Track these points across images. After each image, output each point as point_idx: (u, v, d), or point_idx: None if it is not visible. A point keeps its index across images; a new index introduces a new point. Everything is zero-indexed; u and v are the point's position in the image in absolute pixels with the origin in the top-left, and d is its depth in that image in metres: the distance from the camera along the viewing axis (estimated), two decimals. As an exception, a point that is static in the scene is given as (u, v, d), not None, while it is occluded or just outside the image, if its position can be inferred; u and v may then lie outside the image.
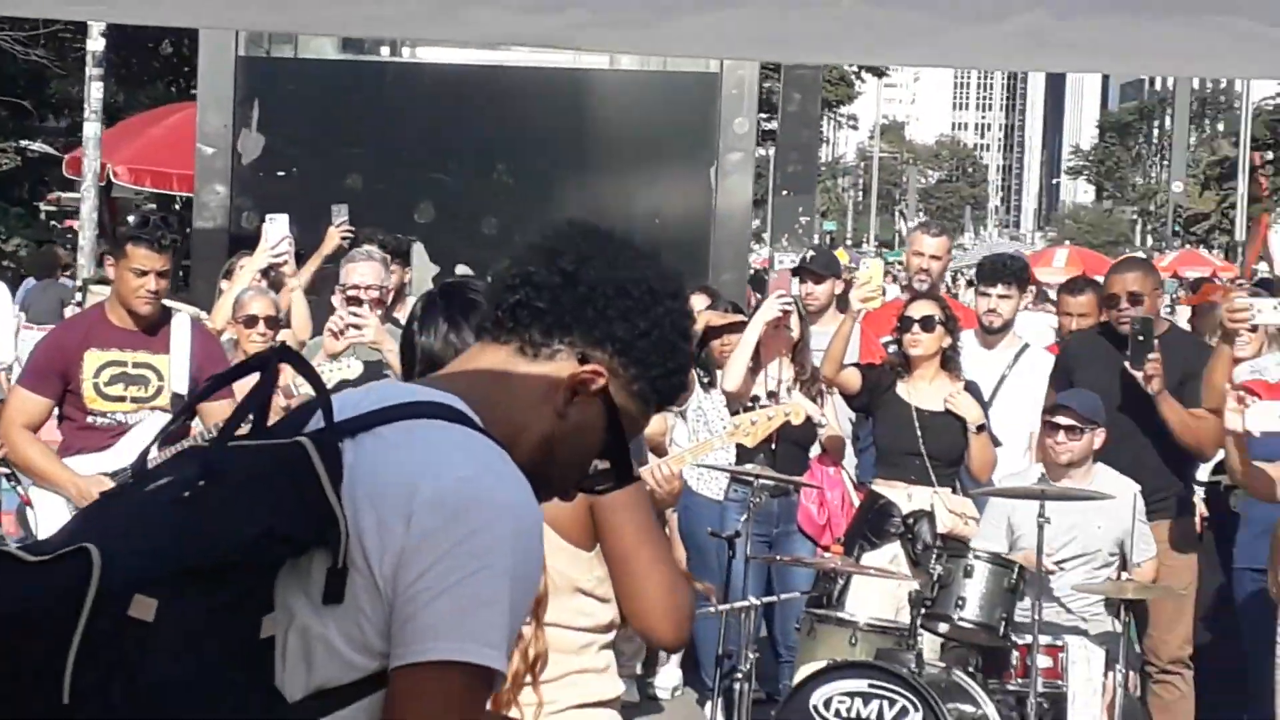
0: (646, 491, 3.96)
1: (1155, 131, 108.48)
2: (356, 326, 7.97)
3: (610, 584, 3.94)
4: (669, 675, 10.34)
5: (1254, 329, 8.59)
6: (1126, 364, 8.36)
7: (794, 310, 9.19)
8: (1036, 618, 7.66)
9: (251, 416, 2.46)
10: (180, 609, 2.23)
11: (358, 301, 8.29)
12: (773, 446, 8.91)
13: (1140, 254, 48.56)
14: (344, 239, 10.25)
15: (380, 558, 2.32)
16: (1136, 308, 8.64)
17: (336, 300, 8.55)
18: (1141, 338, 8.33)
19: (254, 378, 2.51)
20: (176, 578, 2.24)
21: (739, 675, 7.90)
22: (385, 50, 12.76)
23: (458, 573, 2.31)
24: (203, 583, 2.24)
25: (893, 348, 9.43)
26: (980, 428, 8.72)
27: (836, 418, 9.34)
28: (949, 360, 8.93)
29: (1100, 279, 9.77)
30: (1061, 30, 2.42)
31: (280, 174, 12.30)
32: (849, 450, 9.59)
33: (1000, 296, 9.63)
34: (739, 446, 8.76)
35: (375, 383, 2.41)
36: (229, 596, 2.25)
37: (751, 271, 23.93)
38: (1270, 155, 75.23)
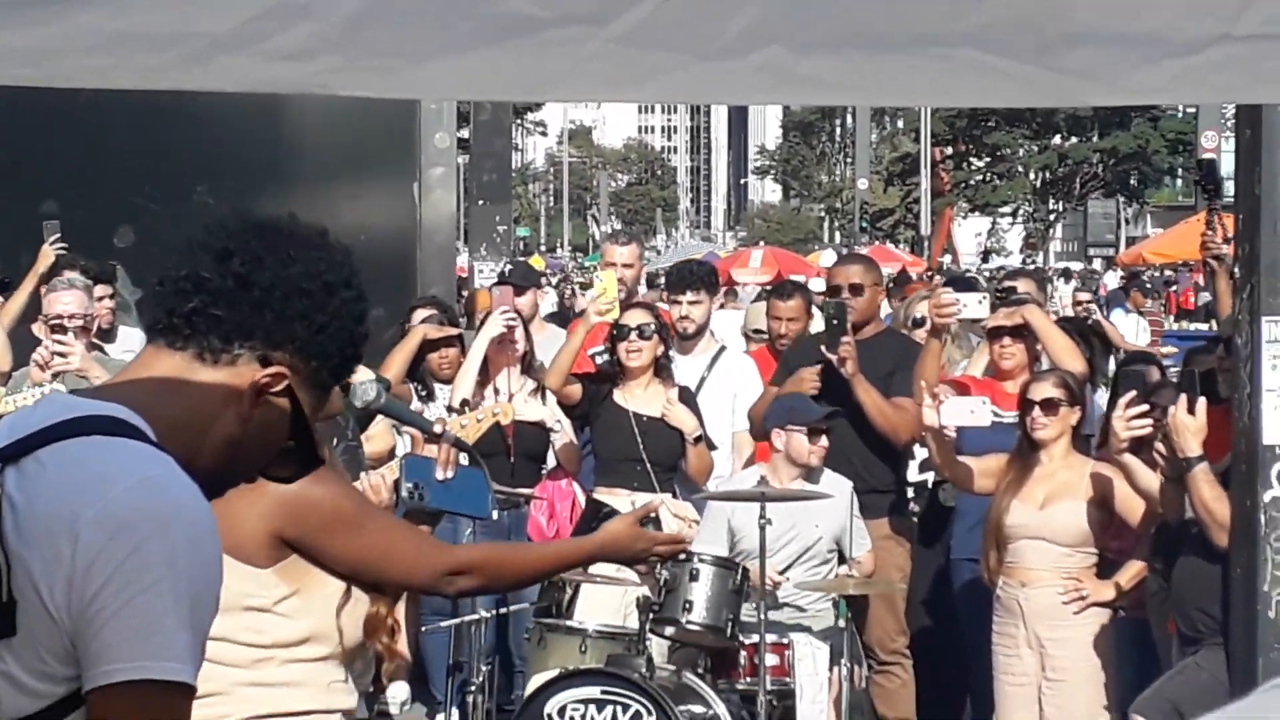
0: (341, 499, 4.00)
1: (838, 130, 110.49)
2: (62, 355, 7.86)
3: (299, 598, 3.99)
4: (398, 689, 10.28)
5: (958, 323, 8.85)
6: (822, 348, 8.60)
7: (518, 324, 9.23)
8: (762, 617, 7.79)
9: None
10: None
11: (62, 330, 8.17)
12: (510, 459, 8.97)
13: (832, 250, 49.45)
14: (58, 253, 10.13)
15: (50, 587, 2.30)
16: (857, 299, 8.89)
17: (39, 330, 8.41)
18: (835, 321, 8.58)
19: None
20: None
21: (471, 687, 7.91)
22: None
23: (130, 589, 2.29)
24: None
25: (600, 358, 9.51)
26: (698, 438, 8.83)
27: (570, 428, 9.39)
28: (662, 368, 9.04)
29: (797, 277, 10.01)
30: (801, 65, 2.50)
31: (-31, 195, 12.00)
32: None
33: (691, 303, 9.73)
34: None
35: (46, 397, 2.37)
36: None
37: (456, 281, 23.95)
38: (950, 151, 77.26)
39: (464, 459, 4.61)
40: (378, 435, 7.88)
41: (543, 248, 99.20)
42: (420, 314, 9.76)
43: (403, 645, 4.40)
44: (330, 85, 2.45)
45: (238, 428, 2.56)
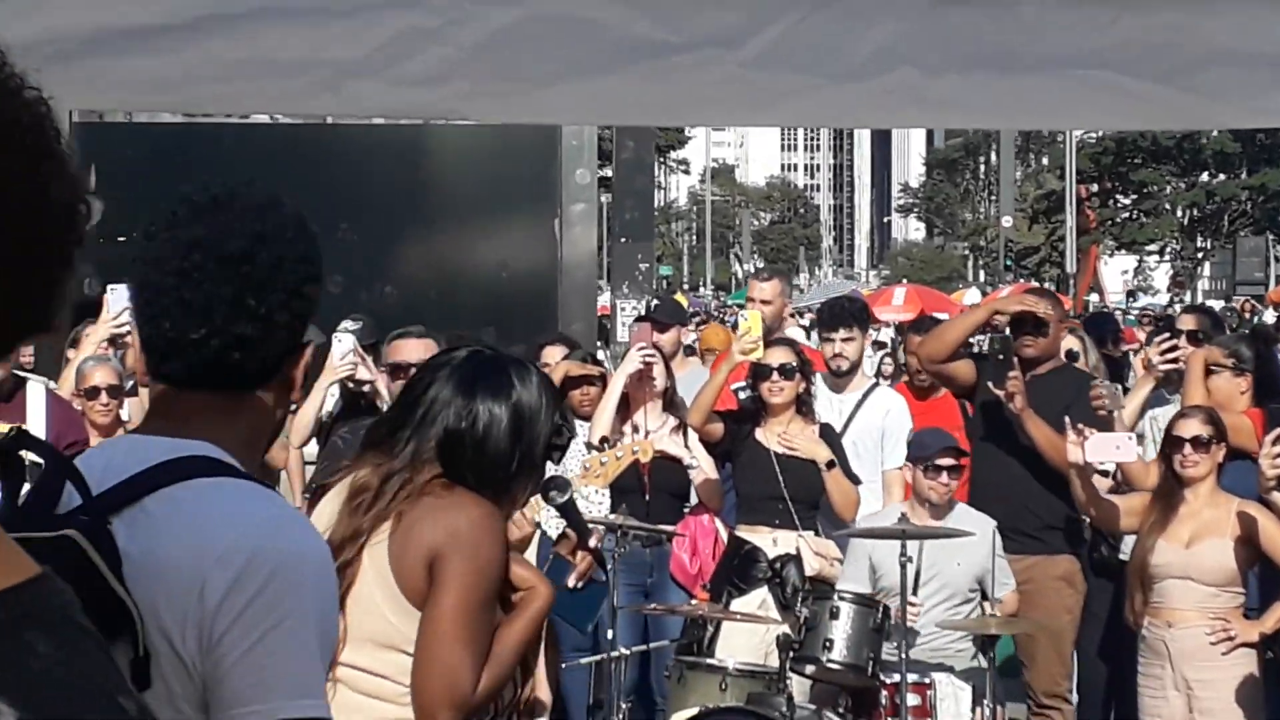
0: (496, 566, 3.86)
1: (981, 167, 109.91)
2: None
3: None
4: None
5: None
6: (989, 384, 8.49)
7: (657, 360, 9.21)
8: (904, 656, 7.70)
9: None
10: None
11: None
12: (645, 496, 8.96)
13: (976, 289, 49.11)
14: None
15: (181, 635, 2.29)
16: (1040, 337, 8.76)
17: None
18: (1001, 357, 8.47)
19: None
20: None
21: (610, 727, 7.87)
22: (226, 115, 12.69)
23: (259, 628, 2.29)
24: None
25: (744, 394, 9.47)
26: (830, 464, 8.77)
27: (712, 465, 9.35)
28: (804, 404, 8.99)
29: (942, 316, 9.93)
30: (932, 87, 2.46)
31: (120, 239, 12.15)
32: None
33: (844, 340, 9.67)
34: (615, 495, 8.83)
35: (116, 439, 2.36)
36: None
37: (599, 320, 24.03)
38: (1095, 188, 76.55)
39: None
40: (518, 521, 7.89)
41: (685, 286, 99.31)
42: (549, 351, 9.79)
43: (544, 690, 4.35)
44: (459, 110, 2.44)
45: (270, 420, 2.61)
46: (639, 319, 10.83)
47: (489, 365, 4.00)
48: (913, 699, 7.82)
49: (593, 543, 4.31)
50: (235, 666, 2.28)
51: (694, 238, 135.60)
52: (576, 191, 12.18)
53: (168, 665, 2.29)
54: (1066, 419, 7.88)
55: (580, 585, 4.31)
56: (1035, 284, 57.80)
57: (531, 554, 8.16)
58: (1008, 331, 8.89)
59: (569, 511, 4.54)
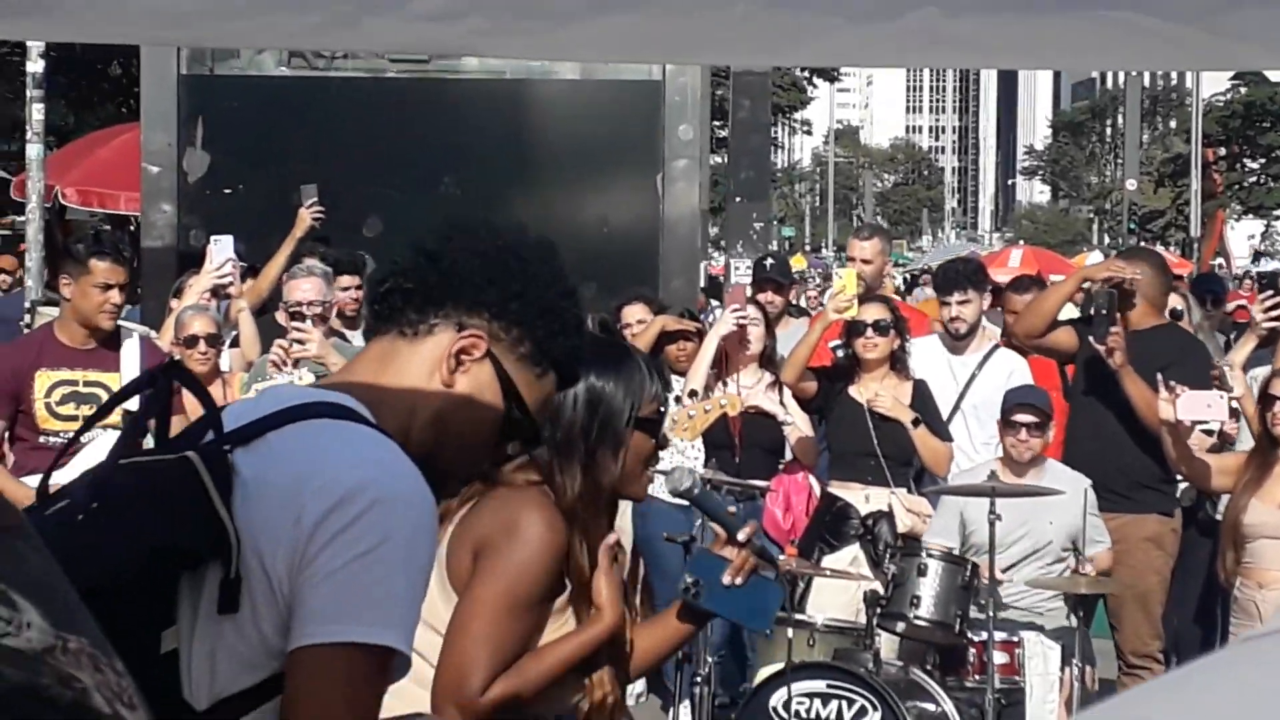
0: (536, 572, 3.68)
1: (1108, 130, 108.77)
2: (300, 341, 8.03)
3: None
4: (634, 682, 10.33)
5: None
6: (1090, 339, 8.42)
7: (752, 322, 9.19)
8: (991, 614, 7.66)
9: (155, 429, 2.47)
10: None
11: (301, 317, 8.33)
12: (736, 452, 8.97)
13: (1099, 251, 48.66)
14: (315, 220, 10.37)
15: (273, 555, 2.34)
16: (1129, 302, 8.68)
17: (281, 317, 8.58)
18: (1104, 311, 8.39)
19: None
20: None
21: (698, 679, 7.89)
22: (327, 64, 12.74)
23: (346, 554, 2.33)
24: (100, 603, 2.25)
25: (840, 351, 9.45)
26: (915, 421, 8.73)
27: (807, 421, 9.33)
28: (898, 361, 8.97)
29: (1057, 278, 9.84)
30: (952, 26, 2.43)
31: (227, 191, 12.28)
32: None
33: (960, 303, 9.63)
34: (708, 449, 8.83)
35: (267, 388, 2.45)
36: (128, 614, 2.25)
37: (709, 279, 23.98)
38: (1223, 151, 75.59)
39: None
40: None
41: (807, 247, 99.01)
42: (629, 310, 9.82)
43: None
44: (476, 48, 2.44)
45: (443, 399, 2.60)
46: (748, 282, 10.83)
47: None
48: (1000, 657, 7.79)
49: (743, 536, 4.05)
50: (317, 587, 2.32)
51: (817, 199, 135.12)
52: (679, 148, 12.14)
53: (257, 586, 2.34)
54: (1159, 376, 7.80)
55: (740, 581, 4.02)
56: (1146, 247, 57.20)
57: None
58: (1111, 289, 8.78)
59: (702, 503, 4.32)
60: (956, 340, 9.60)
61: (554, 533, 3.67)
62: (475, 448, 2.68)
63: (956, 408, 9.38)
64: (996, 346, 9.79)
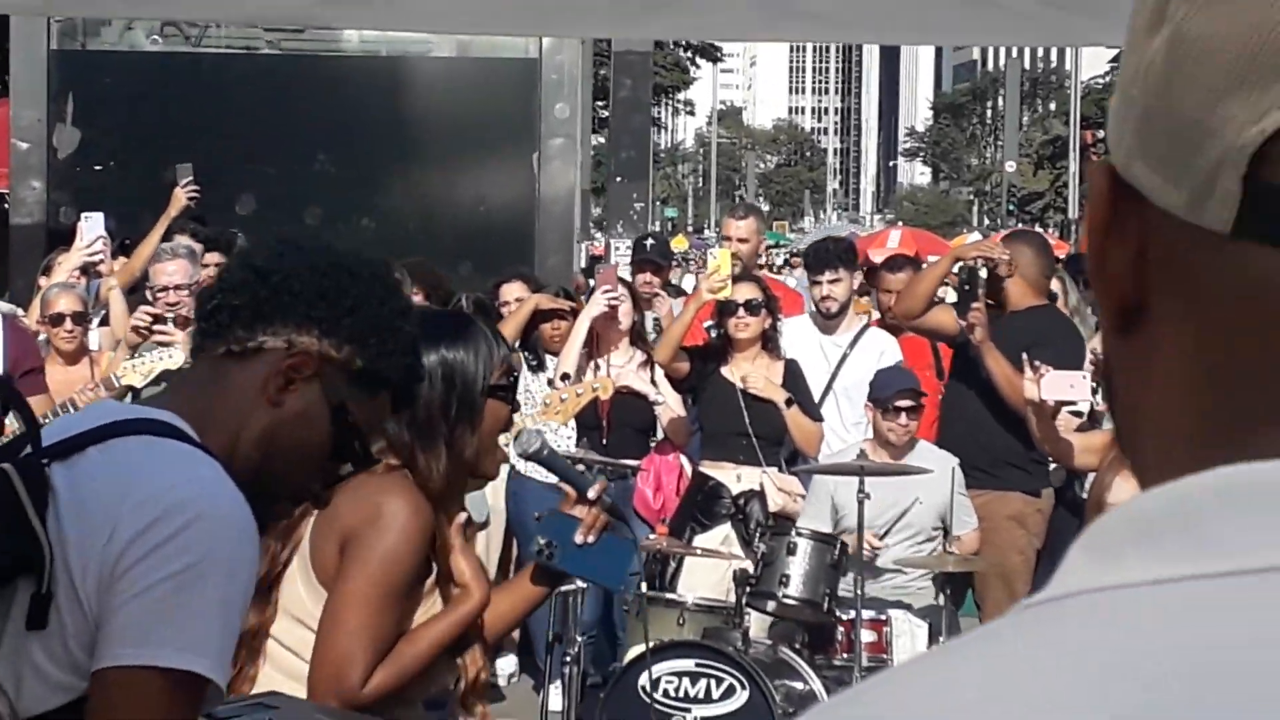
0: (406, 557, 3.64)
1: (988, 112, 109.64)
2: (163, 344, 7.95)
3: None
4: (506, 662, 10.32)
5: None
6: (954, 314, 8.48)
7: (622, 302, 9.21)
8: (859, 593, 7.71)
9: None
10: None
11: (163, 321, 8.29)
12: (604, 433, 9.00)
13: (978, 233, 49.00)
14: (190, 199, 10.27)
15: (83, 571, 2.30)
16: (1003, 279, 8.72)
17: (148, 301, 8.54)
18: (967, 287, 8.44)
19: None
20: None
21: (568, 659, 7.89)
22: (198, 38, 12.63)
23: (157, 573, 2.28)
24: None
25: (713, 331, 9.47)
26: (789, 402, 8.77)
27: (678, 401, 9.35)
28: (769, 341, 8.99)
29: (934, 259, 9.88)
30: (809, 1, 2.43)
31: (97, 168, 12.16)
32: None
33: (831, 281, 9.67)
34: (579, 430, 8.85)
35: (93, 404, 2.44)
36: None
37: (590, 259, 23.96)
38: (1101, 134, 76.32)
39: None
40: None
41: (690, 228, 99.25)
42: (508, 288, 9.82)
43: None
44: (319, 18, 2.43)
45: (271, 417, 2.56)
46: (632, 260, 10.84)
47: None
48: (868, 635, 7.84)
49: (592, 493, 4.03)
50: (126, 605, 2.27)
51: (700, 180, 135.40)
52: (555, 126, 12.13)
53: (66, 602, 2.29)
54: (1025, 356, 7.87)
55: (592, 539, 4.00)
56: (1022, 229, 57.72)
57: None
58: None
59: (551, 463, 4.29)
60: (827, 319, 9.65)
61: (419, 517, 3.63)
62: (304, 468, 2.63)
63: (829, 388, 9.42)
64: (867, 326, 9.84)
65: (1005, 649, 0.77)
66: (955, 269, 9.00)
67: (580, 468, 8.04)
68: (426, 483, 3.67)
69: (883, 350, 9.51)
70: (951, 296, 9.45)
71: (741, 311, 8.88)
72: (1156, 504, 0.80)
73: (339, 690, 3.55)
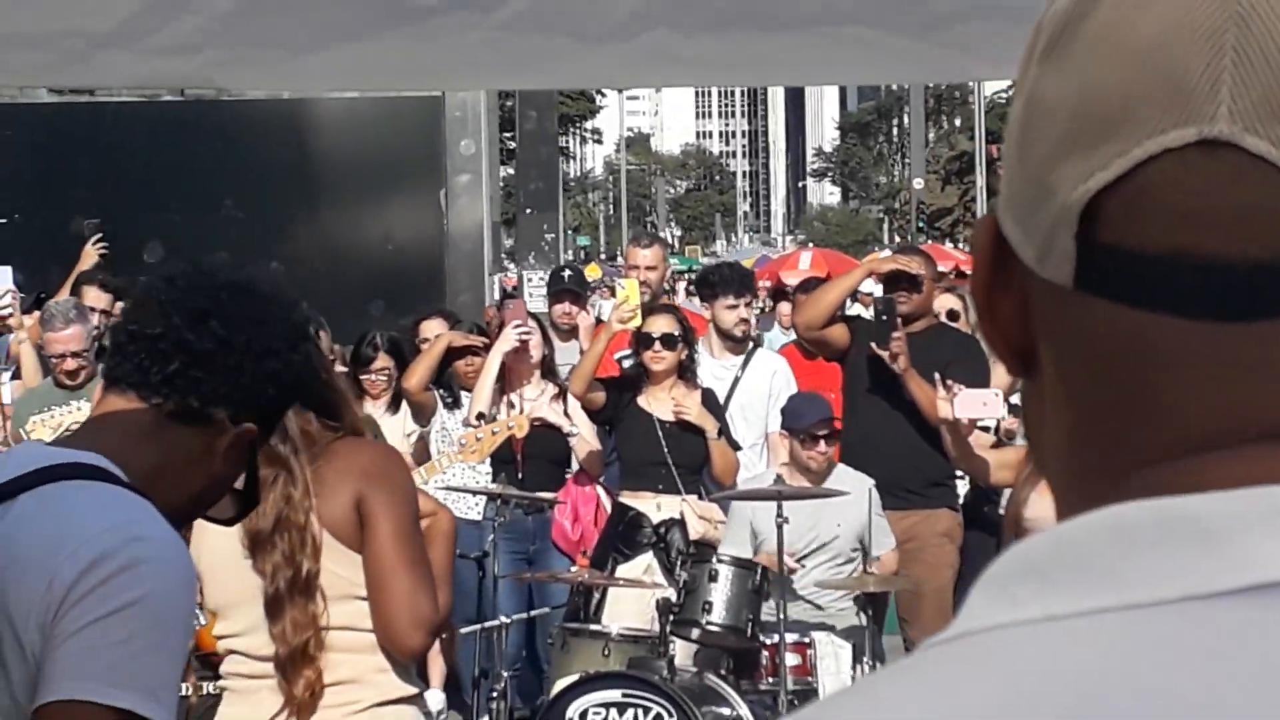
0: (412, 491, 4.05)
1: (894, 130, 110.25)
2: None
3: None
4: (434, 698, 10.28)
5: None
6: (873, 344, 8.51)
7: (532, 336, 9.23)
8: (782, 617, 7.74)
9: None
10: None
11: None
12: (519, 473, 9.01)
13: (889, 250, 49.27)
14: (100, 253, 10.29)
15: (26, 623, 2.30)
16: (915, 294, 8.76)
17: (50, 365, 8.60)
18: (885, 317, 8.49)
19: None
20: None
21: (494, 694, 7.90)
22: (102, 92, 12.61)
23: (93, 613, 2.29)
24: None
25: (628, 362, 9.49)
26: (720, 432, 8.80)
27: (593, 432, 9.37)
28: (686, 370, 9.01)
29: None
30: (687, 47, 2.46)
31: (2, 221, 12.09)
32: None
33: (747, 305, 9.73)
34: (495, 465, 8.87)
35: (20, 446, 2.45)
36: None
37: (504, 291, 23.95)
38: (1006, 147, 76.76)
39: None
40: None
41: (602, 255, 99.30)
42: (428, 325, 9.82)
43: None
44: (214, 80, 2.43)
45: (207, 480, 2.60)
46: (549, 291, 10.89)
47: None
48: (792, 658, 7.87)
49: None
50: (61, 646, 2.27)
51: (611, 207, 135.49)
52: (462, 163, 12.17)
53: (10, 652, 2.30)
54: (937, 375, 7.93)
55: None
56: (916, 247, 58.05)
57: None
58: (881, 292, 8.92)
59: None
60: (737, 343, 9.68)
61: (400, 458, 4.16)
62: (205, 507, 2.67)
63: (724, 410, 9.43)
64: (755, 347, 9.89)
65: (905, 689, 0.80)
66: (873, 296, 9.05)
67: (498, 503, 8.11)
68: (362, 430, 4.05)
69: (774, 370, 9.58)
70: (855, 309, 9.54)
71: (657, 345, 8.89)
72: (1047, 544, 0.83)
73: (419, 620, 3.87)
